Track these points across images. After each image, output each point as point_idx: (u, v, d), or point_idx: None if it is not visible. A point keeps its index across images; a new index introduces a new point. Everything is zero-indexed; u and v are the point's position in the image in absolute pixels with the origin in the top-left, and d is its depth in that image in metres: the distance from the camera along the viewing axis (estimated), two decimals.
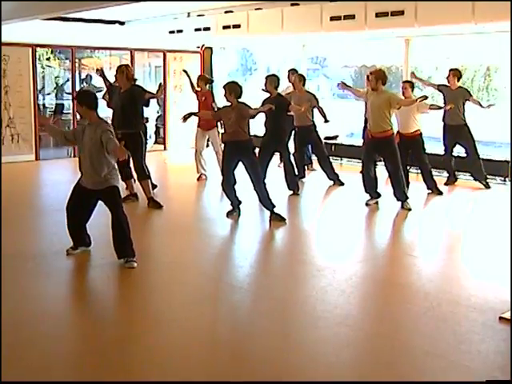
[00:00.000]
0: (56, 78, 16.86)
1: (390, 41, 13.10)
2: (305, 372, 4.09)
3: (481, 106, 10.34)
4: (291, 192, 9.70)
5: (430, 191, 9.81)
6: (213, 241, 7.69)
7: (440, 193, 9.75)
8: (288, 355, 4.37)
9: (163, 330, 4.79)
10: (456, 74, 10.24)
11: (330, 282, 5.87)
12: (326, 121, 10.60)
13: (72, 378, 4.03)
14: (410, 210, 8.65)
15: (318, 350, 4.48)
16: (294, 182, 9.77)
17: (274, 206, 8.07)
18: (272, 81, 9.28)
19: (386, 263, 6.69)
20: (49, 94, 15.98)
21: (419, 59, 13.32)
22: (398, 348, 4.47)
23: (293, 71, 11.54)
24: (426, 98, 9.06)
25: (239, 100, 7.95)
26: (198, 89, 11.00)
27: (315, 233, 7.87)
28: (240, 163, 8.07)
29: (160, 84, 9.56)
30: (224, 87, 8.01)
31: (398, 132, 9.51)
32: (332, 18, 10.93)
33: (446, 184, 10.42)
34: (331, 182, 10.51)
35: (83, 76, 16.37)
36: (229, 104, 8.05)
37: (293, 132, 10.60)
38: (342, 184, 10.34)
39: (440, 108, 9.83)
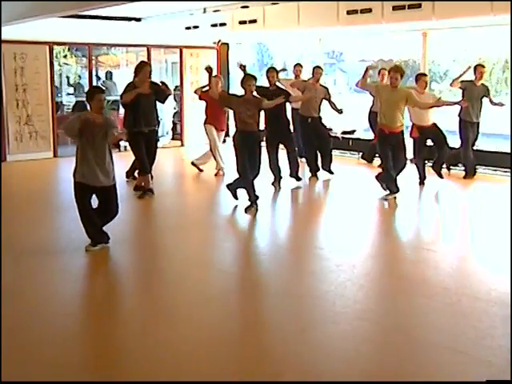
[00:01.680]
0: (77, 76, 16.98)
1: (406, 34, 13.02)
2: (324, 367, 4.08)
3: (493, 103, 10.44)
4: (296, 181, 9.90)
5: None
6: (230, 236, 7.70)
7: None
8: (307, 350, 4.35)
9: (179, 327, 4.79)
10: (484, 70, 10.26)
11: (349, 277, 5.84)
12: (340, 112, 10.60)
13: (87, 377, 4.04)
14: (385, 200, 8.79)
15: (337, 345, 4.46)
16: (295, 172, 9.97)
17: (257, 198, 8.24)
18: (273, 73, 9.67)
19: (404, 258, 6.65)
20: (72, 93, 16.11)
21: (437, 52, 13.22)
22: (417, 344, 4.44)
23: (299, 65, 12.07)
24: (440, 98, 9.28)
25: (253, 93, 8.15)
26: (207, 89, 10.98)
27: (330, 227, 7.83)
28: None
29: (162, 82, 9.60)
30: (243, 79, 8.25)
31: (414, 125, 9.59)
32: (349, 12, 10.87)
33: (464, 178, 10.37)
34: (331, 176, 10.61)
35: (103, 73, 16.49)
36: (241, 94, 8.18)
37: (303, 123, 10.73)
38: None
39: (454, 104, 9.78)
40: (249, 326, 4.87)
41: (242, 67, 9.22)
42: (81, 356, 4.39)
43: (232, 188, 8.55)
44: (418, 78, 9.80)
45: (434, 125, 9.80)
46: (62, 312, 5.12)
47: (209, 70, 10.00)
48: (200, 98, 10.92)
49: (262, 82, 10.02)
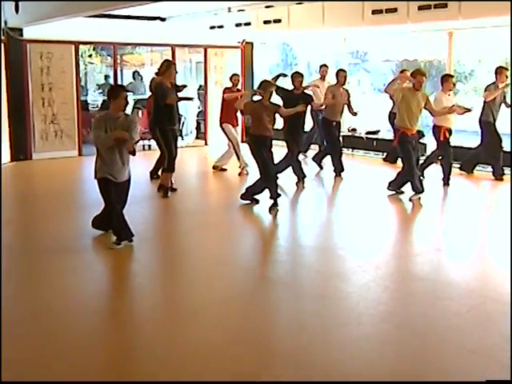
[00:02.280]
0: (104, 75, 17.14)
1: (432, 34, 12.93)
2: (347, 369, 4.07)
3: (507, 105, 10.49)
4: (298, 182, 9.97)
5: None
6: (252, 236, 7.72)
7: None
8: (330, 352, 4.34)
9: (202, 326, 4.80)
10: (505, 72, 10.18)
11: (373, 278, 5.82)
12: (355, 114, 10.86)
13: (106, 376, 4.07)
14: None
15: (360, 347, 4.44)
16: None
17: (279, 196, 8.31)
18: (299, 77, 9.76)
19: (427, 259, 6.59)
20: (100, 91, 16.25)
21: (462, 52, 13.12)
22: (441, 346, 4.40)
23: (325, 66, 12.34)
24: (469, 110, 9.35)
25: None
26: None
27: (352, 228, 7.78)
28: None
29: (184, 85, 9.87)
30: (261, 86, 8.37)
31: (442, 127, 9.58)
32: (374, 12, 10.81)
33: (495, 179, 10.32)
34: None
35: (130, 72, 16.61)
36: (258, 99, 8.32)
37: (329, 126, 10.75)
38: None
39: (465, 111, 9.77)
40: (271, 327, 4.86)
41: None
42: (99, 355, 4.41)
43: (247, 197, 8.61)
44: (444, 80, 9.71)
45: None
46: (85, 310, 5.17)
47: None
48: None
49: (284, 83, 10.06)
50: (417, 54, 16.44)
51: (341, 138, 11.11)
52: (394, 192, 9.10)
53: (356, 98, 12.89)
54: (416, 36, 13.60)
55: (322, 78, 12.39)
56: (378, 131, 13.09)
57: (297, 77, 9.80)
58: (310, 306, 5.22)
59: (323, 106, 10.77)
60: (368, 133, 13.06)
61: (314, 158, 11.38)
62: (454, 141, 10.50)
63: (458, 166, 10.76)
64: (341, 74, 10.57)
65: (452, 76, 9.92)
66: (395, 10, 10.51)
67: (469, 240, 7.28)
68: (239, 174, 10.80)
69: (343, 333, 4.66)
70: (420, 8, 10.16)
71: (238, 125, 11.20)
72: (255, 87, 11.68)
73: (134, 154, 6.58)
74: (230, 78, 11.23)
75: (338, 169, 10.70)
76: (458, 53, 12.33)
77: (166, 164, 9.17)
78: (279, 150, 9.58)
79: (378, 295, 5.44)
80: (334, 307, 5.17)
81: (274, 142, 8.47)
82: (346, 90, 10.67)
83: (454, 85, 9.86)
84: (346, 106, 10.63)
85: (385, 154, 12.23)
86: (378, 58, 19.52)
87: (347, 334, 4.63)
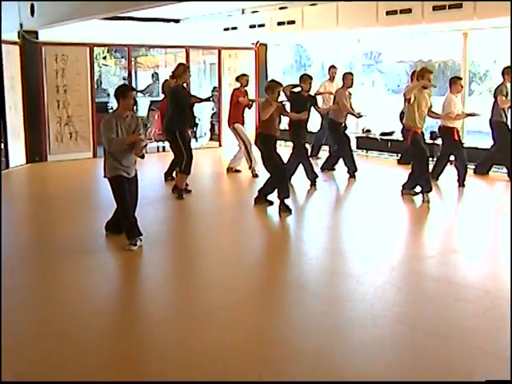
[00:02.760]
0: (124, 78, 17.21)
1: (446, 34, 12.87)
2: (363, 371, 4.05)
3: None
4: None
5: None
6: (266, 237, 7.72)
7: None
8: (346, 354, 4.33)
9: (217, 326, 4.80)
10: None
11: (388, 279, 5.80)
12: (359, 116, 11.12)
13: (115, 377, 4.08)
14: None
15: (376, 348, 4.42)
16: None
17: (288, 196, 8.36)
18: (308, 80, 9.81)
19: (443, 260, 6.55)
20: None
21: (477, 53, 13.05)
22: (457, 348, 4.38)
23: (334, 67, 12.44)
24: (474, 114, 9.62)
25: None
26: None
27: (366, 228, 7.74)
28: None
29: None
30: (269, 86, 8.48)
31: (454, 128, 9.68)
32: (388, 13, 10.78)
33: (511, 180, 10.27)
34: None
35: (145, 74, 16.68)
36: (265, 99, 8.44)
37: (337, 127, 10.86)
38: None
39: (467, 116, 9.87)
40: (287, 329, 4.85)
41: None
42: (113, 355, 4.41)
43: (260, 200, 8.62)
44: (452, 82, 9.65)
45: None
46: (99, 310, 5.20)
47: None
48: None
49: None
50: (431, 54, 16.37)
51: (351, 138, 11.19)
52: (408, 193, 9.06)
53: (370, 99, 12.87)
54: (430, 36, 13.54)
55: (331, 79, 12.41)
56: (393, 132, 13.03)
57: (307, 79, 9.81)
58: (324, 308, 5.21)
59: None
60: (382, 134, 13.03)
61: (322, 168, 11.34)
62: (470, 142, 10.47)
63: (473, 168, 10.71)
64: (348, 77, 10.59)
65: (460, 78, 9.87)
66: (409, 10, 10.48)
67: (484, 241, 7.24)
68: (254, 176, 10.75)
69: (359, 334, 4.64)
70: (435, 8, 10.12)
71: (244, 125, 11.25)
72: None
73: (143, 157, 6.65)
74: (237, 79, 11.24)
75: (352, 169, 10.70)
76: (472, 53, 12.26)
77: (183, 166, 9.15)
78: (284, 150, 9.66)
79: (394, 297, 5.42)
80: (350, 309, 5.15)
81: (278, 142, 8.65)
82: (349, 94, 10.79)
83: (462, 87, 9.85)
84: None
85: (399, 155, 12.19)
86: (392, 59, 19.47)
87: (363, 336, 4.61)
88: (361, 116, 11.00)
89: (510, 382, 3.78)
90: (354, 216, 8.48)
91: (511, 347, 4.14)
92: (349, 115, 10.88)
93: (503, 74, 10.18)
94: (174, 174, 9.97)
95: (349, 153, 10.82)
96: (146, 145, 6.89)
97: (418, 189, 8.99)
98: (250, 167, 10.88)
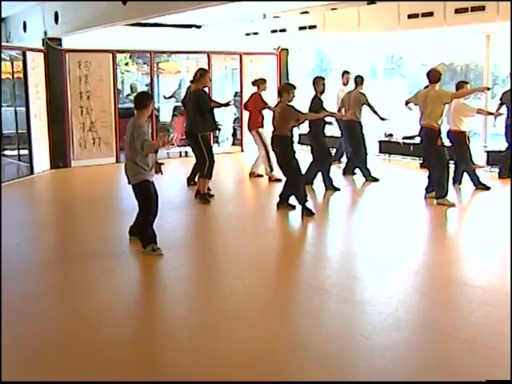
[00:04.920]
0: (142, 84, 17.33)
1: (469, 37, 12.78)
2: (388, 374, 4.04)
3: None
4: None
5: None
6: (289, 241, 7.72)
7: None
8: (371, 357, 4.32)
9: (240, 331, 4.81)
10: None
11: (412, 283, 5.78)
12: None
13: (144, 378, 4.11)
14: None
15: (400, 352, 4.41)
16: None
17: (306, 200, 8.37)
18: (320, 82, 9.86)
19: (467, 265, 6.52)
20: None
21: (499, 55, 12.94)
22: (482, 353, 4.35)
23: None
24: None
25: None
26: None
27: (388, 233, 7.71)
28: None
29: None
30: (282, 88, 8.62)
31: (464, 132, 9.74)
32: (410, 16, 10.75)
33: None
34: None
35: (172, 79, 16.79)
36: (279, 101, 8.65)
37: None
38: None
39: (490, 114, 9.86)
40: (310, 332, 4.85)
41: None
42: (133, 358, 4.45)
43: (283, 204, 8.66)
44: (459, 86, 9.54)
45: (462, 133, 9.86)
46: (121, 313, 5.24)
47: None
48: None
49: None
50: (453, 57, 16.26)
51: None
52: (431, 197, 9.02)
53: (392, 102, 12.88)
54: (453, 39, 13.46)
55: (345, 84, 12.37)
56: (415, 136, 12.96)
57: (319, 80, 9.90)
58: (348, 312, 5.20)
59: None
60: (405, 138, 12.97)
61: (344, 172, 11.39)
62: (493, 145, 10.42)
63: (497, 172, 10.72)
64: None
65: (467, 82, 9.79)
66: (431, 13, 10.44)
67: (508, 245, 7.17)
68: (275, 180, 10.75)
69: (383, 338, 4.63)
70: (457, 11, 10.07)
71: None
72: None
73: (161, 172, 6.81)
74: (254, 83, 11.26)
75: (366, 173, 10.87)
76: (495, 56, 12.18)
77: (206, 171, 9.16)
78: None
79: (417, 301, 5.41)
80: (373, 313, 5.13)
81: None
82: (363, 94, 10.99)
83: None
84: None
85: (422, 159, 12.12)
86: (414, 62, 19.35)
87: (387, 339, 4.60)
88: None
89: (510, 382, 3.75)
90: (376, 220, 8.45)
91: (511, 347, 4.09)
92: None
93: None
94: (196, 179, 10.00)
95: (362, 155, 10.98)
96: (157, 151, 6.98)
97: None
98: (269, 172, 10.91)
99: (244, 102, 12.30)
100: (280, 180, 10.57)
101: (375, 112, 10.96)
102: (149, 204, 6.62)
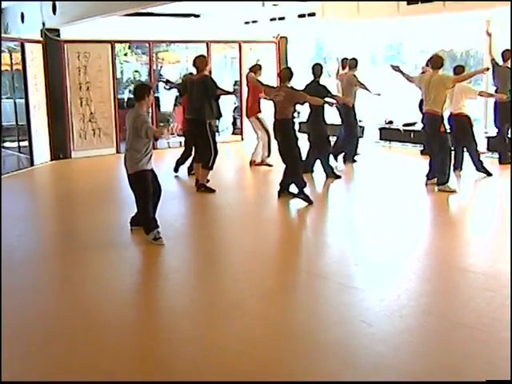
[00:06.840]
0: (160, 75, 17.25)
1: (469, 23, 12.72)
2: (391, 361, 4.05)
3: None
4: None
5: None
6: (290, 230, 7.71)
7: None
8: (373, 344, 4.31)
9: (243, 319, 4.81)
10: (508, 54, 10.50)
11: (414, 270, 5.78)
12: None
13: (148, 369, 4.11)
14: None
15: (403, 338, 4.41)
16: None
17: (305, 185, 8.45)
18: (318, 69, 9.87)
19: (469, 251, 6.52)
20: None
21: (500, 41, 12.88)
22: (483, 339, 4.35)
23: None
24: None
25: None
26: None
27: (389, 219, 7.70)
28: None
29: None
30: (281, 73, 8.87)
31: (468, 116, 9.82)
32: (409, 2, 10.72)
33: None
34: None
35: (172, 69, 16.73)
36: (277, 86, 8.84)
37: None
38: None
39: (491, 96, 10.09)
40: (312, 320, 4.85)
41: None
42: (135, 348, 4.46)
43: (283, 192, 8.66)
44: (457, 70, 9.64)
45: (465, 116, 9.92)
46: (124, 303, 5.25)
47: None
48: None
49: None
50: (453, 43, 16.19)
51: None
52: (432, 183, 9.00)
53: (392, 89, 12.87)
54: (452, 26, 13.39)
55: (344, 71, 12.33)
56: (415, 123, 12.95)
57: (317, 66, 9.93)
58: (350, 299, 5.20)
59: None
60: (405, 125, 12.96)
61: (344, 160, 11.44)
62: (493, 131, 10.39)
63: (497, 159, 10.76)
64: (351, 63, 11.15)
65: (464, 67, 9.82)
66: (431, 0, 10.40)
67: (510, 231, 7.16)
68: (262, 164, 10.95)
69: (385, 325, 4.63)
70: None
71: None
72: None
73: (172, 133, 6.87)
74: (250, 69, 11.23)
75: (349, 158, 11.27)
76: (495, 42, 12.11)
77: (209, 162, 9.04)
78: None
79: (420, 287, 5.41)
80: (375, 299, 5.13)
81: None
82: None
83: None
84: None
85: (422, 145, 12.10)
86: (414, 50, 19.28)
87: (390, 326, 4.60)
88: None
89: (510, 382, 3.74)
90: (377, 207, 8.45)
91: (511, 348, 4.09)
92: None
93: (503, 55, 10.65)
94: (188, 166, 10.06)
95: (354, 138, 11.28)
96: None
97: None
98: (265, 157, 11.03)
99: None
100: (271, 165, 10.64)
101: (367, 89, 11.19)
102: (144, 193, 6.64)
